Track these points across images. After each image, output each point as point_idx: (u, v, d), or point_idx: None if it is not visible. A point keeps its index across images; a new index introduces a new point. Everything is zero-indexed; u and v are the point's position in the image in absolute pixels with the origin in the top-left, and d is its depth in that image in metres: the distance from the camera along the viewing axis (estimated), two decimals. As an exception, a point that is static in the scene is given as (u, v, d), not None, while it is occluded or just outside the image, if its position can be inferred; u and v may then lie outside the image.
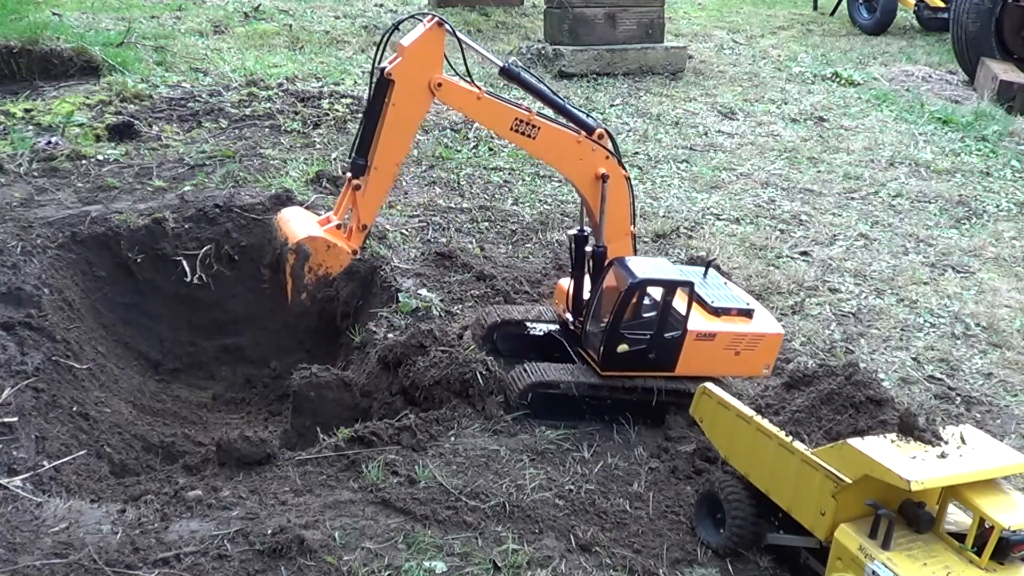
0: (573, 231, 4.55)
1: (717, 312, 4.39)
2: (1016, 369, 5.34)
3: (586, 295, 4.51)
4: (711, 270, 4.71)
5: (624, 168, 4.40)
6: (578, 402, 4.37)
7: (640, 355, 4.27)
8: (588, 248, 4.47)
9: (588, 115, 4.40)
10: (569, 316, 4.61)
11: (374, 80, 4.11)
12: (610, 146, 4.34)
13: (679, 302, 4.23)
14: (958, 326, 5.77)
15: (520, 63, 4.45)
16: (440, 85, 4.07)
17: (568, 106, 4.34)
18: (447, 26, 4.04)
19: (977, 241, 7.03)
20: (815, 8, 15.67)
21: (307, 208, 6.13)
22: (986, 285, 6.33)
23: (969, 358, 5.44)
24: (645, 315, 4.30)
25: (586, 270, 4.50)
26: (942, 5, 13.66)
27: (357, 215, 4.28)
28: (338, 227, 4.37)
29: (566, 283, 4.67)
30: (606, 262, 4.39)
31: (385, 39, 4.19)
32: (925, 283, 6.29)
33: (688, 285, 4.22)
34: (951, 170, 8.39)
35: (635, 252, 4.54)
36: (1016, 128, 9.44)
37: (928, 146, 8.96)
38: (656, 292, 4.24)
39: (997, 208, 7.68)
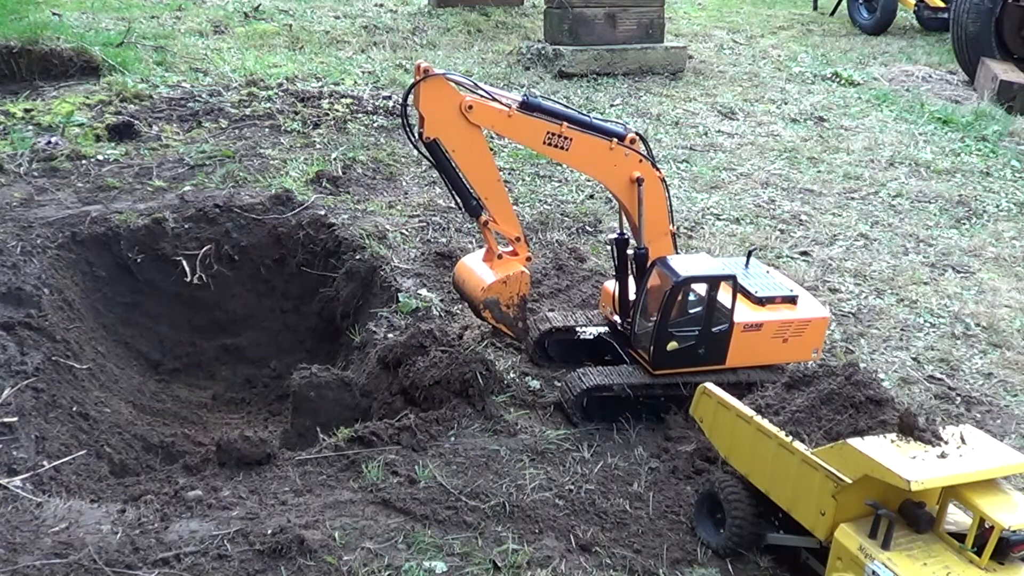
0: (613, 235, 4.60)
1: (762, 301, 4.44)
2: (1016, 369, 5.34)
3: (631, 296, 4.56)
4: (752, 259, 4.75)
5: (658, 170, 4.44)
6: (633, 402, 4.43)
7: (690, 351, 4.34)
8: (630, 251, 4.52)
9: (615, 122, 4.42)
10: (616, 318, 4.67)
11: (422, 150, 4.16)
12: (643, 149, 4.38)
13: (724, 295, 4.27)
14: (958, 326, 5.77)
15: (538, 92, 4.46)
16: (471, 107, 4.07)
17: (595, 121, 4.36)
18: (437, 71, 4.01)
19: (977, 241, 7.03)
20: (815, 8, 15.67)
21: (308, 208, 6.16)
22: (986, 285, 6.33)
23: (969, 358, 5.44)
24: (691, 311, 4.36)
25: (630, 272, 4.55)
26: (942, 5, 13.66)
27: (506, 235, 4.38)
28: (500, 256, 4.44)
29: (611, 286, 4.72)
30: (648, 263, 4.43)
31: (406, 108, 4.24)
32: (925, 283, 6.29)
33: (731, 279, 4.27)
34: (951, 170, 8.39)
35: (676, 250, 4.58)
36: (1016, 128, 9.44)
37: (928, 146, 8.96)
38: (700, 288, 4.29)
39: (997, 208, 7.68)
